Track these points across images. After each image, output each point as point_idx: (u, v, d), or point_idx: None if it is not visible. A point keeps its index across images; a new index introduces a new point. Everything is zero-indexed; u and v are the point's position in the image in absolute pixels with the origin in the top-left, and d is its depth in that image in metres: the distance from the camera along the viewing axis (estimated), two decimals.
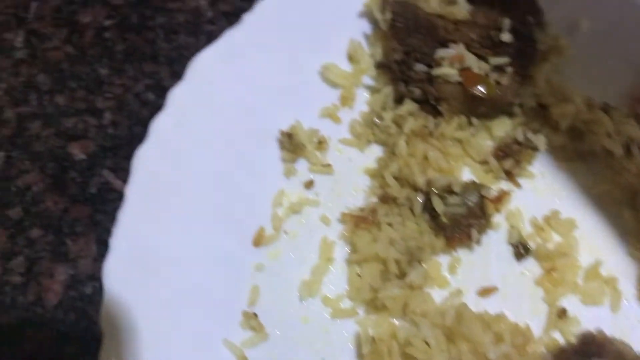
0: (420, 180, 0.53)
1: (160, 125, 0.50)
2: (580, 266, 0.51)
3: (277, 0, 0.57)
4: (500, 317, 0.49)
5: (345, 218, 0.53)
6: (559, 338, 0.49)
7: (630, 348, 0.46)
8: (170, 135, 0.50)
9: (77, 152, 0.56)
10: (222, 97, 0.53)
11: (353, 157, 0.56)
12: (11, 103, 0.57)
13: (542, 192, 0.54)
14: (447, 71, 0.55)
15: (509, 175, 0.56)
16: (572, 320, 0.49)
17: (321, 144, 0.55)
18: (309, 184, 0.54)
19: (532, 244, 0.52)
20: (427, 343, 0.47)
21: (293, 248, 0.52)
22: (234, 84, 0.54)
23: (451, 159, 0.55)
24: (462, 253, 0.52)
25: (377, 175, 0.55)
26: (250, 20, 0.56)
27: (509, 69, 0.55)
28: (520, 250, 0.52)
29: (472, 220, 0.53)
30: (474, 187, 0.54)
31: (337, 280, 0.51)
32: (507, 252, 0.53)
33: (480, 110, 0.56)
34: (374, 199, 0.54)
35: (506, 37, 0.55)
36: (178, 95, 0.51)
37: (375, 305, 0.50)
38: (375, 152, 0.57)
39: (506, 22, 0.55)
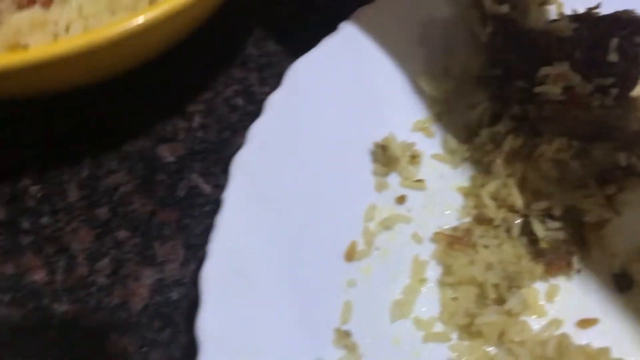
0: (519, 202, 0.51)
1: (258, 131, 0.49)
2: None
3: (374, 10, 0.56)
4: (604, 351, 0.46)
5: (438, 237, 0.51)
6: None
7: None
8: (268, 140, 0.49)
9: (167, 154, 0.55)
10: (318, 105, 0.52)
11: (445, 174, 0.54)
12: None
13: None
14: (550, 89, 0.52)
15: (610, 202, 0.53)
16: None
17: (414, 158, 0.54)
18: (400, 199, 0.53)
19: (636, 275, 0.50)
20: None
21: (384, 265, 0.50)
22: (329, 92, 0.53)
23: (550, 181, 0.53)
24: (560, 281, 0.50)
25: (471, 194, 0.53)
26: (347, 28, 0.55)
27: (614, 91, 0.53)
28: (624, 281, 0.50)
29: (572, 247, 0.50)
30: (574, 211, 0.51)
31: (429, 302, 0.49)
32: (609, 282, 0.50)
33: (582, 131, 0.54)
34: (468, 219, 0.52)
35: (613, 57, 0.53)
36: (275, 102, 0.50)
37: (469, 331, 0.48)
38: (469, 170, 0.55)
39: (613, 42, 0.53)
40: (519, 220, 0.51)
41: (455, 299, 0.49)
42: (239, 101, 0.58)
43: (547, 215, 0.51)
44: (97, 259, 0.51)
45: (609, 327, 0.48)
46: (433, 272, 0.50)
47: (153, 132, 0.56)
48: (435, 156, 0.55)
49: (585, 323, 0.48)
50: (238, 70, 0.60)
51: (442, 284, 0.50)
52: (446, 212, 0.53)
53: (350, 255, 0.49)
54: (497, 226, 0.51)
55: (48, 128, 0.56)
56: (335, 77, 0.53)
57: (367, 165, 0.53)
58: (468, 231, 0.51)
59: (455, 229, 0.52)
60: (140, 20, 0.44)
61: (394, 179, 0.53)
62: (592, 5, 0.55)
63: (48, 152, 0.55)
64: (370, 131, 0.53)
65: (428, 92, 0.56)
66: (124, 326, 0.48)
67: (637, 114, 0.54)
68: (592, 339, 0.47)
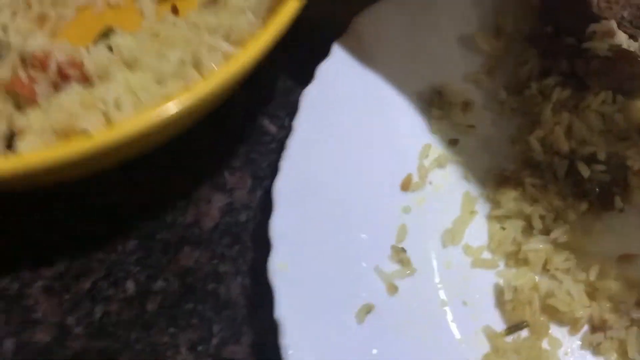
0: (565, 147, 0.54)
1: (324, 71, 0.53)
2: None
3: None
4: None
5: (487, 177, 0.55)
6: None
7: None
8: (334, 80, 0.53)
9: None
10: (383, 51, 0.56)
11: (495, 121, 0.58)
12: None
13: None
14: (598, 45, 0.56)
15: None
16: None
17: (467, 105, 0.58)
18: (453, 142, 0.56)
19: None
20: (570, 295, 0.48)
21: (437, 198, 0.54)
22: (392, 44, 0.57)
23: (595, 132, 0.56)
24: (603, 219, 0.53)
25: (519, 140, 0.57)
26: None
27: None
28: None
29: (616, 189, 0.53)
30: (618, 157, 0.54)
31: (477, 233, 0.53)
32: None
33: (627, 86, 0.57)
34: (517, 163, 0.56)
35: None
36: (336, 46, 0.55)
37: (516, 258, 0.51)
38: (517, 119, 0.58)
39: None
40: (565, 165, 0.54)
41: (503, 229, 0.52)
42: None
43: (591, 159, 0.54)
44: (174, 182, 0.55)
45: None
46: (482, 207, 0.54)
47: None
48: (485, 106, 0.59)
49: (626, 258, 0.51)
50: None
51: (490, 217, 0.53)
52: (496, 156, 0.56)
53: (406, 185, 0.53)
54: (545, 169, 0.54)
55: None
56: (388, 32, 0.57)
57: (423, 109, 0.57)
58: (516, 172, 0.55)
59: (504, 170, 0.55)
60: (199, 94, 0.44)
61: (447, 123, 0.57)
62: None
63: None
64: (427, 79, 0.57)
65: (481, 47, 0.60)
66: (196, 241, 0.53)
67: None
68: (631, 273, 0.50)
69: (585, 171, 0.53)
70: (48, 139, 0.45)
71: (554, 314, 0.49)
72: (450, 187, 0.55)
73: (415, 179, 0.54)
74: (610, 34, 0.56)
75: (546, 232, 0.51)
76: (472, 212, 0.53)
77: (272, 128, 0.59)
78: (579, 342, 0.48)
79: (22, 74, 0.48)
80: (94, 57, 0.49)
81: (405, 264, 0.49)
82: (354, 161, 0.51)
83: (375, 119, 0.54)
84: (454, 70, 0.59)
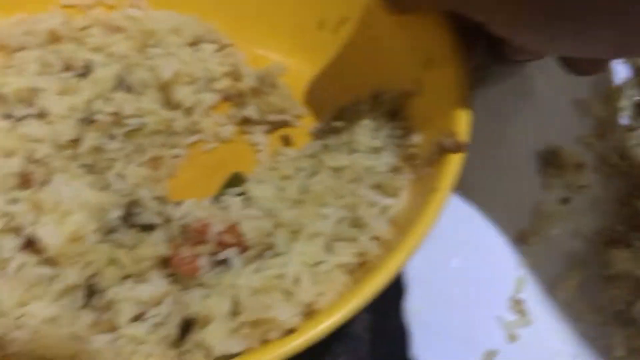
0: None
1: None
2: None
3: None
4: None
5: (597, 237, 0.58)
6: None
7: None
8: None
9: None
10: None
11: (606, 184, 0.61)
12: None
13: None
14: None
15: None
16: None
17: (579, 166, 0.61)
18: (565, 201, 0.60)
19: None
20: None
21: (549, 252, 0.57)
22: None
23: None
24: None
25: (628, 203, 0.60)
26: None
27: None
28: None
29: None
30: None
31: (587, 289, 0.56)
32: None
33: None
34: (625, 225, 0.59)
35: None
36: None
37: (624, 318, 0.54)
38: (627, 183, 0.61)
39: None
40: None
41: (612, 288, 0.55)
42: None
43: None
44: None
45: None
46: (590, 266, 0.57)
47: None
48: (597, 168, 0.62)
49: None
50: None
51: (599, 276, 0.56)
52: (605, 217, 0.60)
53: (523, 239, 0.57)
54: None
55: None
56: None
57: (538, 167, 0.61)
58: (625, 234, 0.58)
59: (613, 231, 0.58)
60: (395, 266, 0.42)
61: (560, 183, 0.61)
62: None
63: None
64: (543, 139, 0.61)
65: (593, 112, 0.63)
66: None
67: None
68: None
69: None
70: (230, 327, 0.42)
71: None
72: (561, 243, 0.58)
73: (530, 233, 0.58)
74: None
75: None
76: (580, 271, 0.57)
77: None
78: None
79: (186, 251, 0.46)
80: (252, 224, 0.48)
81: (524, 314, 0.52)
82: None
83: (489, 175, 0.58)
84: (568, 133, 0.63)
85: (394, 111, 0.56)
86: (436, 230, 0.52)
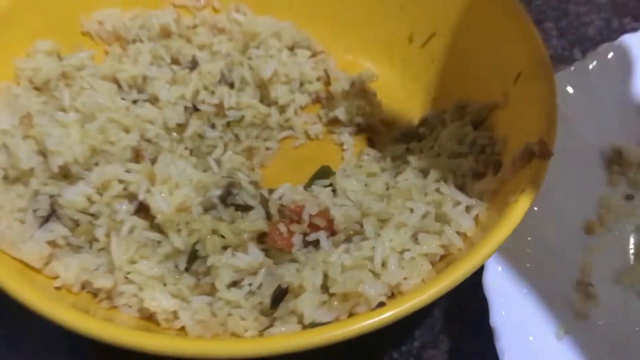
0: None
1: None
2: None
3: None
4: None
5: None
6: None
7: None
8: None
9: None
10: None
11: None
12: None
13: None
14: None
15: None
16: None
17: None
18: (629, 197, 0.64)
19: None
20: None
21: (614, 243, 0.60)
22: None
23: None
24: None
25: None
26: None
27: None
28: None
29: None
30: None
31: None
32: None
33: None
34: None
35: None
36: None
37: None
38: None
39: None
40: None
41: None
42: None
43: None
44: None
45: None
46: None
47: None
48: None
49: None
50: None
51: None
52: None
53: (589, 229, 0.60)
54: None
55: None
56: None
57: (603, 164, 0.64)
58: None
59: None
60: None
61: (624, 179, 0.64)
62: None
63: None
64: (609, 138, 0.65)
65: None
66: None
67: None
68: None
69: None
70: (321, 298, 0.46)
71: None
72: (626, 236, 0.61)
73: (596, 224, 0.61)
74: None
75: None
76: None
77: None
78: None
79: (283, 228, 0.50)
80: (341, 211, 0.52)
81: (592, 296, 0.56)
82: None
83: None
84: (631, 134, 0.66)
85: (479, 120, 0.59)
86: None
